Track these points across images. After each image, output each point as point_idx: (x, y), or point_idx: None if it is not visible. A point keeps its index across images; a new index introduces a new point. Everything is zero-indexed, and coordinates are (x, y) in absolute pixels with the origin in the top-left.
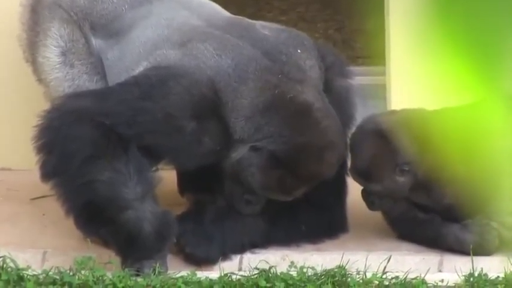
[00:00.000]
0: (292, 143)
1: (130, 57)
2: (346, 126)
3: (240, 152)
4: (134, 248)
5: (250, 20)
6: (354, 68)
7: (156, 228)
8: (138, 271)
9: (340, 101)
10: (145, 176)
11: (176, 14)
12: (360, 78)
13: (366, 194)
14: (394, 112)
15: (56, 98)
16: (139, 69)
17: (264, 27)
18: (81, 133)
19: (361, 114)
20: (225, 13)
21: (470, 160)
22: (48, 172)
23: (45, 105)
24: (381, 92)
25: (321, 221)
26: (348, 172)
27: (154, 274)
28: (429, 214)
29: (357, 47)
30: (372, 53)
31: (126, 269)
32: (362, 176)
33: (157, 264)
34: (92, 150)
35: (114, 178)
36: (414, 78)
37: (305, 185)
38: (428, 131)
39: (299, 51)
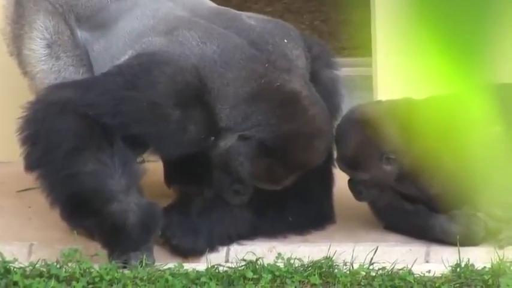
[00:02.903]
0: (280, 131)
1: (116, 47)
2: (332, 117)
3: (228, 141)
4: (120, 240)
5: (235, 11)
6: (340, 59)
7: (142, 220)
8: (125, 263)
9: (326, 91)
10: (131, 167)
11: (161, 5)
12: (346, 69)
13: (353, 184)
14: (380, 102)
15: (40, 90)
16: (124, 57)
17: (249, 18)
18: (65, 125)
19: (347, 105)
20: (211, 4)
21: (456, 150)
22: (32, 163)
23: (30, 98)
24: (367, 82)
25: (308, 212)
26: (335, 162)
27: (141, 266)
28: (416, 205)
29: (343, 38)
30: (358, 44)
31: (113, 261)
32: (349, 165)
33: (144, 256)
34: (76, 141)
35: (99, 170)
36: (400, 69)
37: (294, 173)
38: (414, 121)
39: (285, 41)
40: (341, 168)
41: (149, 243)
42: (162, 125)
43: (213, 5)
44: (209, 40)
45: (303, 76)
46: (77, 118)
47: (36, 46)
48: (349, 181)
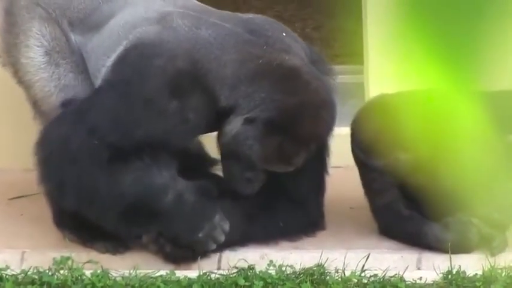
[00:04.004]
0: (285, 106)
1: (110, 40)
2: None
3: (233, 127)
4: (185, 225)
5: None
6: (332, 67)
7: (200, 198)
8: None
9: None
10: (161, 162)
11: (152, 3)
12: (338, 76)
13: (366, 171)
14: (401, 92)
15: (40, 100)
16: (119, 49)
17: (247, 14)
18: (79, 163)
19: (340, 113)
20: (203, 5)
21: (452, 154)
22: (71, 206)
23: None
24: (359, 90)
25: (298, 218)
26: (351, 148)
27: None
28: (412, 211)
29: (335, 46)
30: (350, 52)
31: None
32: (365, 151)
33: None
34: (98, 169)
35: (138, 176)
36: (392, 76)
37: (305, 148)
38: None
39: (284, 34)
40: (355, 155)
41: (214, 220)
42: (162, 121)
43: (206, 6)
44: (203, 26)
45: (303, 59)
46: (85, 150)
47: (35, 54)
48: (363, 168)
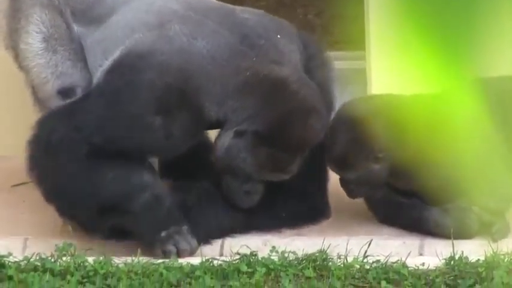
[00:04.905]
0: (272, 117)
1: (110, 41)
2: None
3: (225, 140)
4: (161, 223)
5: (230, 6)
6: (333, 53)
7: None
8: (176, 247)
9: (321, 91)
10: (143, 165)
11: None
12: (339, 62)
13: (343, 182)
14: (371, 98)
15: (36, 85)
16: (116, 53)
17: (243, 12)
18: (65, 158)
19: (340, 100)
20: None
21: (448, 144)
22: (46, 196)
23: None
24: (360, 76)
25: (302, 209)
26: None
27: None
28: (410, 198)
29: (336, 32)
30: (351, 38)
31: (163, 250)
32: (336, 165)
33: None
34: (82, 165)
35: (118, 174)
36: (393, 62)
37: (297, 156)
38: (406, 117)
39: (279, 36)
40: (330, 167)
41: (182, 226)
42: (146, 135)
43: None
44: (200, 35)
45: (295, 66)
46: (65, 143)
47: (33, 40)
48: (340, 179)
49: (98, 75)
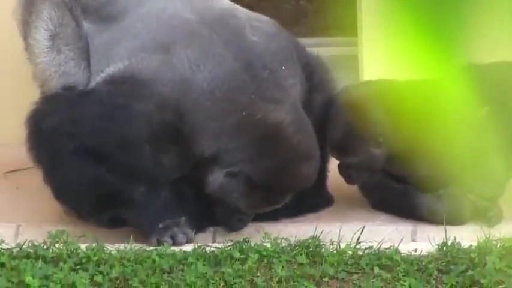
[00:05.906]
0: (264, 166)
1: (116, 49)
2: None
3: (217, 178)
4: (159, 214)
5: (241, 18)
6: (325, 39)
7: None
8: (173, 239)
9: (320, 118)
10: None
11: (169, 4)
12: (331, 49)
13: (342, 168)
14: (368, 83)
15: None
16: (119, 66)
17: (254, 31)
18: (59, 146)
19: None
20: (220, 3)
21: (442, 131)
22: (45, 180)
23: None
24: (352, 62)
25: (304, 200)
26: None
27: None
28: (404, 184)
29: (328, 18)
30: (344, 24)
31: (162, 242)
32: (337, 150)
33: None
34: (71, 157)
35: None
36: (385, 48)
37: (290, 194)
38: (402, 102)
39: (283, 68)
40: (330, 153)
41: (180, 219)
42: (135, 159)
43: (222, 4)
44: (203, 62)
45: (293, 103)
46: (61, 137)
47: (40, 37)
48: (339, 165)
49: (97, 79)
